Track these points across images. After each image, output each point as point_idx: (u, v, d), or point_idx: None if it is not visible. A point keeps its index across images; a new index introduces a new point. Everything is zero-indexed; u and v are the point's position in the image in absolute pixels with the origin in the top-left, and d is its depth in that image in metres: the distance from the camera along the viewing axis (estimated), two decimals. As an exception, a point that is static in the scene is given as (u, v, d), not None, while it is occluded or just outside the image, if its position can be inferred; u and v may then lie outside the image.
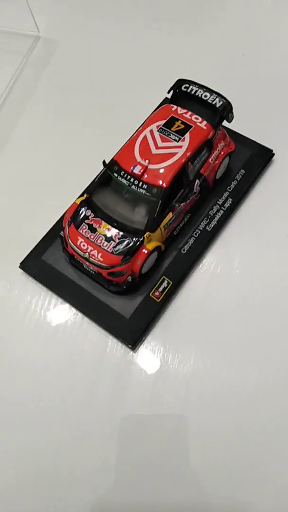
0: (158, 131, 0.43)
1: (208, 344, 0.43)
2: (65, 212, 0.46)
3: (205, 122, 0.43)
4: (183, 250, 0.46)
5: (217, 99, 0.44)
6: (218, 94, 0.44)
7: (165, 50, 0.61)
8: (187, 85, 0.45)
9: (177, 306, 0.44)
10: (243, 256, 0.47)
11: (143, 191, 0.41)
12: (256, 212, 0.49)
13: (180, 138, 0.42)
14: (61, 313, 0.45)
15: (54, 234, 0.47)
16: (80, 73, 0.61)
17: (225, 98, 0.44)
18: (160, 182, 0.41)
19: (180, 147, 0.42)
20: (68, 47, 0.63)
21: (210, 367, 0.42)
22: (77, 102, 0.58)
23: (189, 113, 0.44)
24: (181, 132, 0.43)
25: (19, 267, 0.46)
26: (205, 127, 0.43)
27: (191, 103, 0.45)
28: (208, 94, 0.44)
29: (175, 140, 0.42)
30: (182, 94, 0.45)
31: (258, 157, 0.51)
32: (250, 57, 0.59)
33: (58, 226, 0.48)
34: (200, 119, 0.44)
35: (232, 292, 0.45)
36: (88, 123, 0.56)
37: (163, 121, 0.43)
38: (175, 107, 0.45)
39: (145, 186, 0.41)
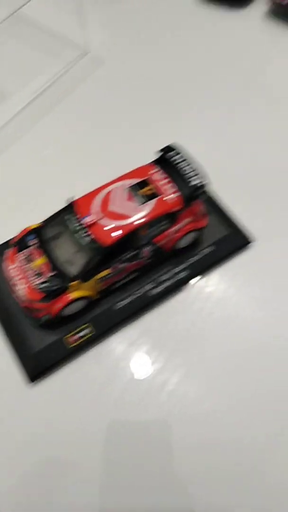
0: (127, 188, 0.43)
1: (94, 407, 0.43)
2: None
3: (176, 195, 0.43)
4: (116, 306, 0.46)
5: (194, 178, 0.43)
6: (200, 173, 0.43)
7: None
8: (172, 154, 0.44)
9: (91, 356, 0.45)
10: (172, 332, 0.46)
11: (86, 242, 0.41)
12: (208, 293, 0.48)
13: (143, 203, 0.42)
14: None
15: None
16: (114, 94, 0.62)
17: (203, 179, 0.43)
18: (104, 240, 0.41)
19: (140, 211, 0.42)
20: (110, 67, 0.64)
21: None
22: (103, 118, 0.59)
23: (166, 180, 0.44)
24: (148, 197, 0.43)
25: None
26: (173, 200, 0.43)
27: (174, 170, 0.44)
28: (187, 170, 0.44)
29: (139, 202, 0.42)
30: (169, 159, 0.45)
31: (233, 240, 0.49)
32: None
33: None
34: (173, 190, 0.43)
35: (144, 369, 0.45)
36: (110, 141, 0.57)
37: (136, 181, 0.43)
38: (155, 169, 0.44)
39: (88, 238, 0.41)
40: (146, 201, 0.42)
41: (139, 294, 0.46)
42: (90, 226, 0.41)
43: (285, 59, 0.64)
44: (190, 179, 0.43)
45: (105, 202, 0.42)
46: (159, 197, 0.43)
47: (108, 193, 0.43)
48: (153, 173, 0.44)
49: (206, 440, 0.41)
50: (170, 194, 0.43)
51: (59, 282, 0.41)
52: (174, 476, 0.40)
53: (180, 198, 0.43)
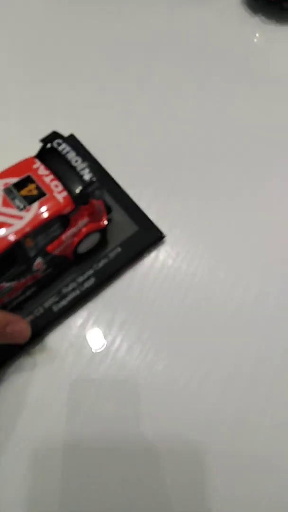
0: (3, 190, 0.36)
1: None
2: None
3: (65, 194, 0.37)
4: (14, 328, 0.40)
5: (87, 170, 0.37)
6: (92, 165, 0.38)
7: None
8: (60, 141, 0.38)
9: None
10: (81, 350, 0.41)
11: None
12: (118, 301, 0.42)
13: (25, 207, 0.36)
14: None
15: None
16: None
17: (96, 172, 0.37)
18: None
19: (20, 218, 0.35)
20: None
21: None
22: None
23: (51, 176, 0.37)
24: (30, 199, 0.36)
25: None
26: (62, 200, 0.36)
27: (62, 164, 0.38)
28: (79, 161, 0.37)
29: (18, 207, 0.35)
30: (55, 150, 0.39)
31: (144, 237, 0.44)
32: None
33: None
34: (61, 187, 0.37)
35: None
36: None
37: (15, 179, 0.37)
38: (38, 163, 0.38)
39: None
40: (28, 204, 0.36)
41: (41, 311, 0.41)
42: None
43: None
44: (80, 174, 0.37)
45: None
46: (43, 198, 0.36)
47: None
48: (35, 169, 0.37)
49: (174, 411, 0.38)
50: (58, 193, 0.36)
51: None
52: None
53: (69, 197, 0.37)
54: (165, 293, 0.43)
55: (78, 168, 0.37)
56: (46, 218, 0.36)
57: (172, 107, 0.52)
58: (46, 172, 0.37)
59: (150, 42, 0.56)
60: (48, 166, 0.38)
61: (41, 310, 0.41)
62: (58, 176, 0.37)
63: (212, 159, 0.49)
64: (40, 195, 0.36)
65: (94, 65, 0.54)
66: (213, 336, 0.41)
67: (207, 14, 0.56)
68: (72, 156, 0.38)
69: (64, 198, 0.37)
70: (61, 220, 0.37)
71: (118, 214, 0.45)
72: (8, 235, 0.35)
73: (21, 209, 0.36)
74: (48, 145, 0.38)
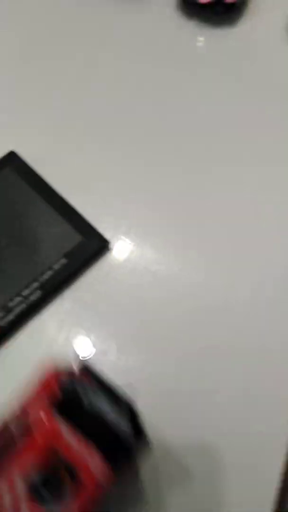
0: (27, 489, 0.25)
1: None
2: None
3: (100, 460, 0.27)
4: None
5: (121, 421, 0.27)
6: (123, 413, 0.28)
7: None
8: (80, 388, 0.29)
9: None
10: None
11: None
12: (66, 315, 0.43)
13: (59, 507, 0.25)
14: None
15: None
16: None
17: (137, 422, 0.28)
18: None
19: None
20: None
21: None
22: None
23: (77, 437, 0.27)
24: (62, 492, 0.25)
25: None
26: (100, 473, 0.26)
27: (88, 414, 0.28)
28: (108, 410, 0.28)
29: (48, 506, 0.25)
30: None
31: (88, 246, 0.45)
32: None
33: None
34: (92, 451, 0.27)
35: None
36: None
37: (36, 466, 0.26)
38: (62, 426, 0.27)
39: None
40: (62, 500, 0.26)
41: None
42: None
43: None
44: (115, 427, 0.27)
45: None
46: (78, 478, 0.26)
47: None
48: (59, 435, 0.27)
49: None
50: (91, 462, 0.27)
51: None
52: None
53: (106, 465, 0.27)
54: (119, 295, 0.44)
55: (109, 422, 0.28)
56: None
57: (113, 111, 0.53)
58: (72, 433, 0.27)
59: (89, 50, 0.57)
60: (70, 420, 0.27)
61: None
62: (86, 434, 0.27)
63: (154, 162, 0.50)
64: (72, 478, 0.26)
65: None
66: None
67: (144, 22, 0.57)
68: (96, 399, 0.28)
69: (101, 468, 0.27)
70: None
71: (61, 224, 0.45)
72: None
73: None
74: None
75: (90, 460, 0.26)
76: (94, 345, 0.42)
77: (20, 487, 0.25)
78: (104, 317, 0.43)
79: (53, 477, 0.26)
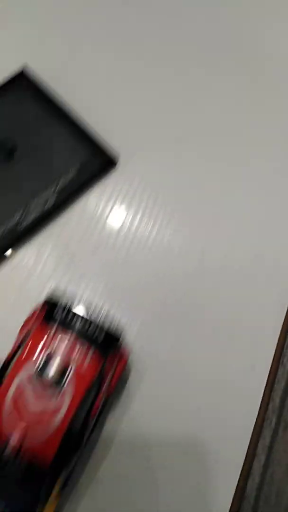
0: (29, 382, 0.33)
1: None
2: None
3: (91, 352, 0.35)
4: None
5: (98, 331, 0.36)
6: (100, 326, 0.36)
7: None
8: (59, 312, 0.37)
9: None
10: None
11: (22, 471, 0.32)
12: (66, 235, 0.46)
13: (59, 392, 0.33)
14: None
15: None
16: None
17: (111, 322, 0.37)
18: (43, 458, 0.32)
19: (58, 410, 0.33)
20: None
21: None
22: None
23: (68, 337, 0.35)
24: (59, 381, 0.34)
25: None
26: (90, 362, 0.35)
27: (73, 319, 0.37)
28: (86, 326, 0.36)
29: (52, 396, 0.33)
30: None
31: (98, 161, 0.48)
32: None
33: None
34: (83, 346, 0.35)
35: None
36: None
37: (40, 359, 0.34)
38: (51, 329, 0.36)
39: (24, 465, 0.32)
40: (60, 386, 0.33)
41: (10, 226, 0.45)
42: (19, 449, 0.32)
43: None
44: (96, 323, 0.37)
45: (18, 406, 0.33)
46: (72, 372, 0.34)
47: (17, 391, 0.33)
48: (51, 338, 0.35)
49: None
50: (83, 356, 0.35)
51: None
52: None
53: (97, 354, 0.35)
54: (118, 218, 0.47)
55: (89, 333, 0.36)
56: (83, 394, 0.34)
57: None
58: (62, 335, 0.36)
59: None
60: (59, 325, 0.36)
61: (9, 226, 0.45)
62: (75, 333, 0.36)
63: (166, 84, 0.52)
64: (66, 369, 0.34)
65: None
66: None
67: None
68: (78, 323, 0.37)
69: (91, 358, 0.35)
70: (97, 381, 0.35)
71: (71, 140, 0.48)
72: (60, 422, 0.33)
73: (56, 397, 0.33)
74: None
75: (81, 351, 0.35)
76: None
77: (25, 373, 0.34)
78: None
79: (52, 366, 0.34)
